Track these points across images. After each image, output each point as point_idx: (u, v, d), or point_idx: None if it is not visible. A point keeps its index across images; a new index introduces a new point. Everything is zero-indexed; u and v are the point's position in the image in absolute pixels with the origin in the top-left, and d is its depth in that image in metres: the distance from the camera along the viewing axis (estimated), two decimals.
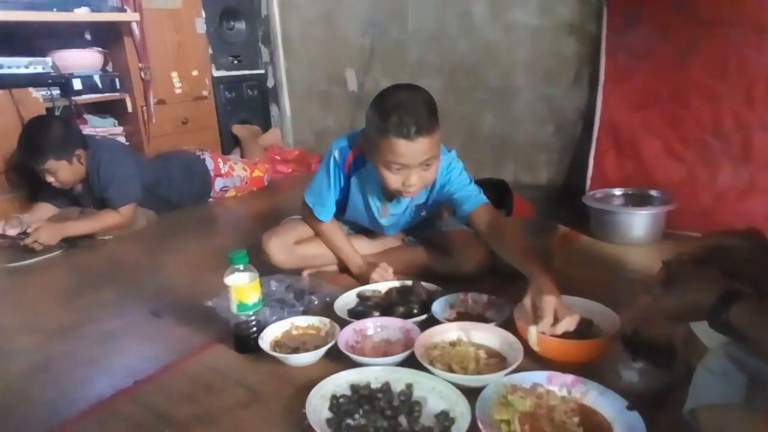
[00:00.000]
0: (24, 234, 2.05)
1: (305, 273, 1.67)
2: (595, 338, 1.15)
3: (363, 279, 1.60)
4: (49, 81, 2.44)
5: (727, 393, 0.73)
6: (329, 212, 1.61)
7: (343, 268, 1.69)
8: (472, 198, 1.48)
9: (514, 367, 1.04)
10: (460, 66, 2.72)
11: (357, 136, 1.50)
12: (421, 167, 1.33)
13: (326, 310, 1.40)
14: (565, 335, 1.15)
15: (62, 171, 2.13)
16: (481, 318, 1.33)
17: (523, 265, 1.26)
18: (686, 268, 0.88)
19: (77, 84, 2.55)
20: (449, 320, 1.31)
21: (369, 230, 1.75)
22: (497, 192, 2.01)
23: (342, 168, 1.53)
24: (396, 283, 1.51)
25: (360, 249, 1.66)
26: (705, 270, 0.85)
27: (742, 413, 0.70)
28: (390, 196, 1.54)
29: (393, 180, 1.35)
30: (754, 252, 0.86)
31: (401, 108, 1.27)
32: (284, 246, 1.63)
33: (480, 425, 0.88)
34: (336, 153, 1.52)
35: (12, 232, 2.08)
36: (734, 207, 1.83)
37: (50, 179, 2.14)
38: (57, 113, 2.42)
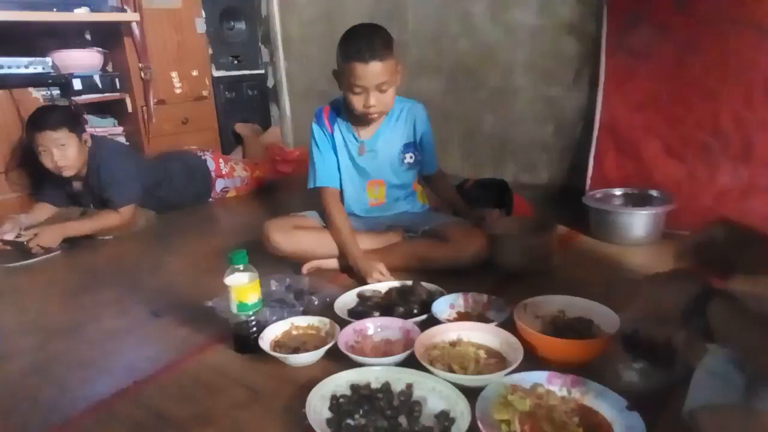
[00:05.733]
0: (25, 231, 2.05)
1: (305, 269, 1.68)
2: (595, 338, 1.15)
3: (356, 270, 1.62)
4: (49, 81, 2.44)
5: (727, 394, 0.73)
6: (331, 177, 1.76)
7: (344, 267, 1.69)
8: (432, 162, 1.86)
9: (514, 367, 1.04)
10: (460, 66, 2.72)
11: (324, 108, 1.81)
12: (378, 90, 1.57)
13: (326, 310, 1.40)
14: (566, 335, 1.15)
15: (72, 147, 2.13)
16: (481, 318, 1.33)
17: (456, 204, 1.88)
18: (662, 275, 0.90)
19: (77, 84, 2.55)
20: (449, 320, 1.31)
21: (371, 228, 1.77)
22: (497, 192, 2.01)
23: (323, 124, 1.76)
24: (396, 283, 1.51)
25: (362, 244, 1.67)
26: (681, 272, 0.88)
27: (741, 413, 0.70)
28: (360, 122, 1.74)
29: (356, 102, 1.60)
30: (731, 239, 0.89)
31: (358, 39, 1.55)
32: (283, 228, 1.70)
33: (480, 425, 0.88)
34: (314, 119, 1.78)
35: (9, 236, 2.07)
36: (734, 207, 1.83)
37: (56, 154, 2.10)
38: None
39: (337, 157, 1.78)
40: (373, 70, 1.53)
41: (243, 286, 1.21)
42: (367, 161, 1.77)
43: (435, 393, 1.02)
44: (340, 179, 1.79)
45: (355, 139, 1.76)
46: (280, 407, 1.05)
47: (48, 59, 2.45)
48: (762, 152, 1.82)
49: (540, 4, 2.41)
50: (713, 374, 0.76)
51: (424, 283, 1.48)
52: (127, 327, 1.47)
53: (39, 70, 2.41)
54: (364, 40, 1.54)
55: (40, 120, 2.10)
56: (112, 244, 2.18)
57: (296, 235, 1.69)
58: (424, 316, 1.32)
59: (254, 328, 1.25)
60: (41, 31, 2.57)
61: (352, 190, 1.81)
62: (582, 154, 2.28)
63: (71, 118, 2.19)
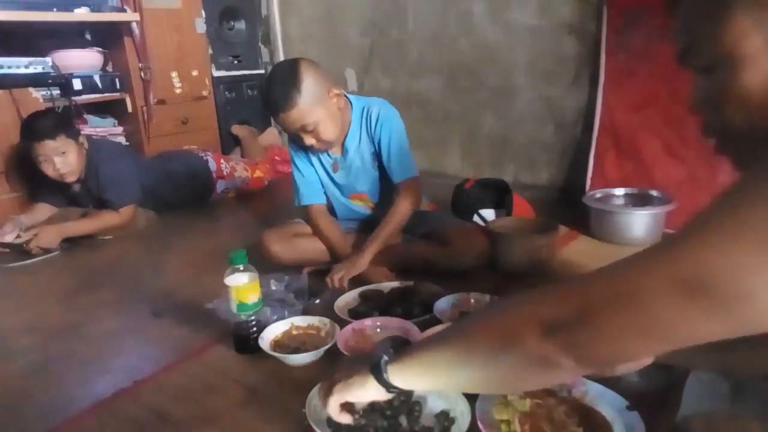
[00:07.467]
0: (25, 232, 2.04)
1: (305, 271, 1.67)
2: None
3: (362, 277, 1.59)
4: (49, 81, 2.44)
5: (713, 400, 0.74)
6: (315, 195, 1.73)
7: None
8: (396, 171, 1.64)
9: None
10: (460, 66, 2.72)
11: None
12: (303, 132, 1.53)
13: (326, 310, 1.40)
14: None
15: (72, 153, 2.12)
16: None
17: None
18: None
19: (77, 84, 2.55)
20: (451, 320, 1.31)
21: (369, 230, 1.76)
22: (497, 192, 2.01)
23: (299, 146, 1.69)
24: (396, 283, 1.51)
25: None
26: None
27: (730, 420, 0.71)
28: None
29: (299, 141, 1.59)
30: None
31: (268, 92, 1.51)
32: (282, 237, 1.68)
33: (480, 425, 0.88)
34: (288, 138, 1.71)
35: (9, 237, 2.07)
36: None
37: (58, 162, 2.08)
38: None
39: (317, 172, 1.75)
40: (285, 121, 1.51)
41: (243, 286, 1.21)
42: (342, 177, 1.74)
43: (435, 393, 1.01)
44: (325, 192, 1.77)
45: (329, 155, 1.72)
46: (280, 407, 1.05)
47: (48, 59, 2.45)
48: None
49: (540, 4, 2.40)
50: (701, 381, 0.78)
51: (424, 283, 1.47)
52: (127, 327, 1.47)
53: (39, 70, 2.41)
54: (271, 93, 1.50)
55: (36, 129, 2.07)
56: (112, 244, 2.18)
57: (295, 243, 1.68)
58: (425, 316, 1.32)
59: (254, 328, 1.25)
60: (41, 31, 2.57)
61: (339, 202, 1.79)
62: (582, 154, 2.28)
63: (66, 123, 2.16)
